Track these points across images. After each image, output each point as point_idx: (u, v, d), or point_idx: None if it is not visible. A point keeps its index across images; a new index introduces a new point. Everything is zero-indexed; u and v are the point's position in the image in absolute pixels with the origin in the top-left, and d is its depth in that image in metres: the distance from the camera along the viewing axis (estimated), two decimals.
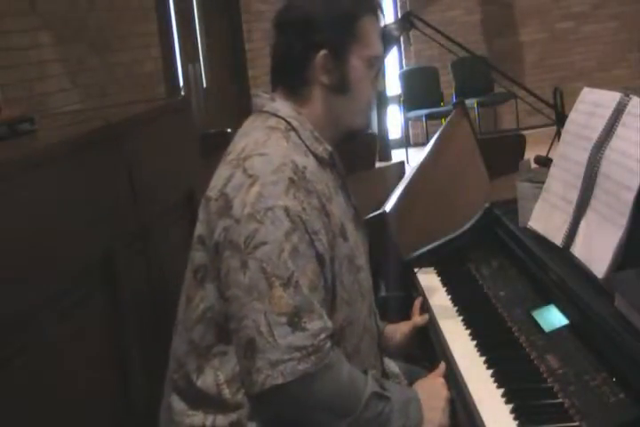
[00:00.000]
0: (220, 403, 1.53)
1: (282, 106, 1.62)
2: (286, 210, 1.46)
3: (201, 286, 1.55)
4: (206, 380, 1.54)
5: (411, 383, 1.73)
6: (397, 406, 1.54)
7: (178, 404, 1.58)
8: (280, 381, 1.42)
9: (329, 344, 1.46)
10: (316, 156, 1.60)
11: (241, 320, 1.45)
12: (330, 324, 1.48)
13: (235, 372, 1.52)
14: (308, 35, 1.59)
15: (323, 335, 1.45)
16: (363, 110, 1.68)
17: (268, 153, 1.52)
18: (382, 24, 1.68)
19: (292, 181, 1.49)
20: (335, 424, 1.48)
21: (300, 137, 1.59)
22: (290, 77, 1.63)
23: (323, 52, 1.58)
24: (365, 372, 1.57)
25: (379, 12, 1.66)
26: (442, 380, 1.66)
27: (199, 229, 1.56)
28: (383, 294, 2.32)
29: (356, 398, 1.49)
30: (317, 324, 1.45)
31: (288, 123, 1.59)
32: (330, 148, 1.63)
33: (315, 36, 1.58)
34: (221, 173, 1.56)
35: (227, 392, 1.52)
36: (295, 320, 1.43)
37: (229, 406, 1.53)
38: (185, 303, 1.60)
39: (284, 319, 1.43)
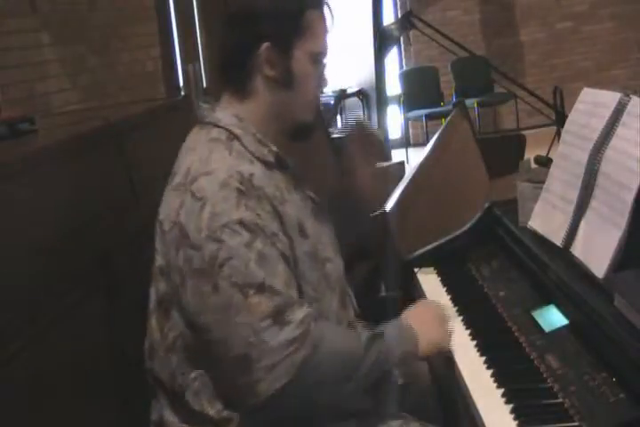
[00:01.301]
0: (208, 420, 1.54)
1: (222, 115, 1.62)
2: (241, 222, 1.47)
3: (167, 316, 1.56)
4: (190, 401, 1.54)
5: (408, 383, 1.75)
6: (392, 336, 1.58)
7: (169, 417, 1.59)
8: (284, 380, 1.43)
9: (313, 323, 1.48)
10: (261, 160, 1.59)
11: (226, 342, 1.46)
12: (311, 309, 1.51)
13: (215, 391, 1.53)
14: (252, 27, 1.59)
15: (307, 320, 1.48)
16: (307, 105, 1.67)
17: (213, 170, 1.52)
18: (331, 21, 1.67)
19: (240, 191, 1.49)
20: (346, 387, 1.51)
21: (242, 145, 1.58)
22: (235, 72, 1.63)
23: (266, 44, 1.58)
24: (352, 326, 1.63)
25: (325, 8, 1.65)
26: (436, 304, 1.76)
27: (159, 260, 1.56)
28: (383, 294, 2.32)
29: (355, 353, 1.53)
30: (300, 313, 1.47)
31: (229, 132, 1.59)
32: (275, 148, 1.63)
33: (259, 29, 1.58)
34: (170, 201, 1.55)
35: (212, 412, 1.53)
36: (279, 318, 1.45)
37: (217, 424, 1.53)
38: (158, 331, 1.59)
39: (268, 322, 1.44)
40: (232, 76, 1.64)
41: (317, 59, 1.64)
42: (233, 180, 1.50)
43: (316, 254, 1.62)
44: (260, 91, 1.62)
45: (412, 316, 1.69)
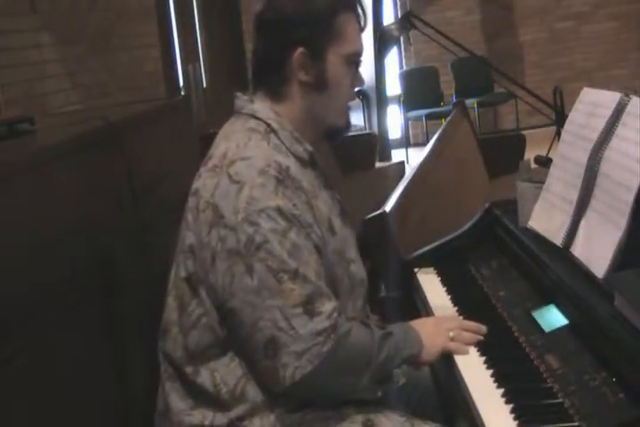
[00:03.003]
0: (218, 401, 1.55)
1: (261, 107, 1.63)
2: (278, 210, 1.49)
3: (195, 293, 1.56)
4: (204, 381, 1.56)
5: (409, 384, 1.75)
6: (400, 337, 1.61)
7: (177, 404, 1.59)
8: (309, 368, 1.46)
9: (340, 318, 1.51)
10: (296, 156, 1.61)
11: (255, 324, 1.48)
12: (336, 302, 1.53)
13: (229, 369, 1.54)
14: (285, 33, 1.60)
15: (335, 314, 1.50)
16: (342, 107, 1.68)
17: (251, 156, 1.54)
18: (363, 20, 1.67)
19: (278, 180, 1.51)
20: (361, 380, 1.54)
21: (279, 138, 1.60)
22: (269, 77, 1.64)
23: (300, 50, 1.59)
24: (365, 323, 1.63)
25: (358, 9, 1.66)
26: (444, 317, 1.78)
27: (190, 237, 1.57)
28: (383, 294, 2.32)
29: (371, 349, 1.56)
30: (329, 305, 1.50)
31: (268, 124, 1.61)
32: (310, 148, 1.64)
33: (292, 34, 1.59)
34: (206, 181, 1.56)
35: (224, 391, 1.54)
36: (309, 307, 1.47)
37: (227, 405, 1.54)
38: (178, 309, 1.60)
39: (299, 310, 1.47)
40: (267, 80, 1.65)
41: (351, 60, 1.65)
42: (271, 168, 1.52)
43: (342, 253, 1.64)
44: (294, 95, 1.63)
45: (418, 325, 1.70)
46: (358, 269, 1.70)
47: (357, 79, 1.69)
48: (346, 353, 1.51)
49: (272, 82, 1.64)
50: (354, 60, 1.66)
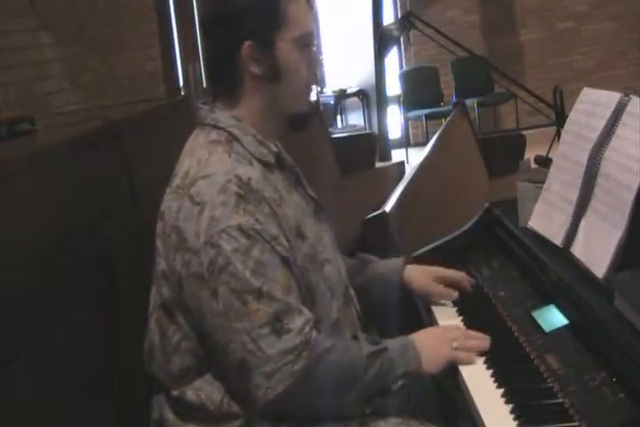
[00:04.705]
0: (208, 417, 1.54)
1: (221, 116, 1.60)
2: (239, 228, 1.46)
3: (172, 319, 1.55)
4: (191, 399, 1.55)
5: (408, 384, 1.75)
6: (395, 354, 1.56)
7: (169, 416, 1.59)
8: (281, 388, 1.44)
9: (314, 333, 1.48)
10: (261, 161, 1.58)
11: (226, 346, 1.46)
12: (310, 314, 1.50)
13: (214, 387, 1.53)
14: (230, 29, 1.56)
15: (307, 328, 1.47)
16: (301, 92, 1.64)
17: (211, 173, 1.51)
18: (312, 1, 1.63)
19: (239, 196, 1.48)
20: (345, 398, 1.50)
21: (242, 146, 1.57)
22: (223, 76, 1.61)
23: (248, 43, 1.55)
24: (355, 337, 1.59)
25: None
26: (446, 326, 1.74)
27: (162, 263, 1.55)
28: None
29: (357, 366, 1.51)
30: (299, 320, 1.47)
31: (229, 133, 1.58)
32: (275, 148, 1.62)
33: (237, 29, 1.56)
34: (171, 204, 1.54)
35: (212, 408, 1.53)
36: (277, 326, 1.45)
37: (218, 420, 1.53)
38: (158, 333, 1.59)
39: (266, 330, 1.44)
40: (221, 81, 1.62)
41: (304, 42, 1.60)
42: (231, 184, 1.49)
43: (315, 256, 1.61)
44: (250, 93, 1.60)
45: (420, 337, 1.66)
46: (334, 269, 1.66)
47: (314, 61, 1.64)
48: (326, 370, 1.47)
49: (226, 83, 1.61)
50: (306, 42, 1.60)
